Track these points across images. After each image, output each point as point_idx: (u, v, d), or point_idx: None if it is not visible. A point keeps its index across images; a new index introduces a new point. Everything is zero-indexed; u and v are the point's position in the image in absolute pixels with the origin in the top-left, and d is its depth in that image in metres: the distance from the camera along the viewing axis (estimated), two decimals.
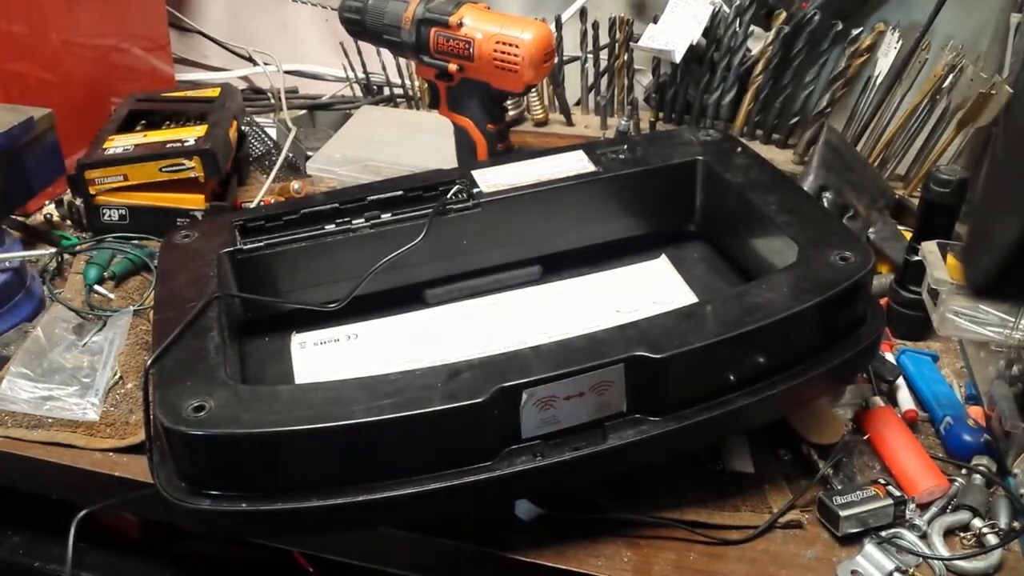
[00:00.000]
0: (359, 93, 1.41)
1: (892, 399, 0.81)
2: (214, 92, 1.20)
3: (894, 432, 0.76)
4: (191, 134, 1.05)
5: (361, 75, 1.38)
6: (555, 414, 0.63)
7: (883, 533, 0.68)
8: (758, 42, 1.16)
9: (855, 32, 1.11)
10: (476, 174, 0.85)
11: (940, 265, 0.78)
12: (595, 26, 1.24)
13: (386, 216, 0.81)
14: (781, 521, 0.70)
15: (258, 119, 1.24)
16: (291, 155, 1.18)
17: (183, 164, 1.01)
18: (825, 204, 0.97)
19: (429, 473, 0.61)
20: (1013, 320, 0.72)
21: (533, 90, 1.23)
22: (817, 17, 1.11)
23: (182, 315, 0.69)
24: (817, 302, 0.66)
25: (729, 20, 1.16)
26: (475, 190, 0.83)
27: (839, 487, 0.71)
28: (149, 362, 0.65)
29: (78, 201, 1.05)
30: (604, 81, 1.28)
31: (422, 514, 0.64)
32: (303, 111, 1.38)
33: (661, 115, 1.26)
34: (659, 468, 0.72)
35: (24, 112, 0.99)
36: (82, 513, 0.72)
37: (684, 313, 0.67)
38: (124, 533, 1.05)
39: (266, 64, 1.47)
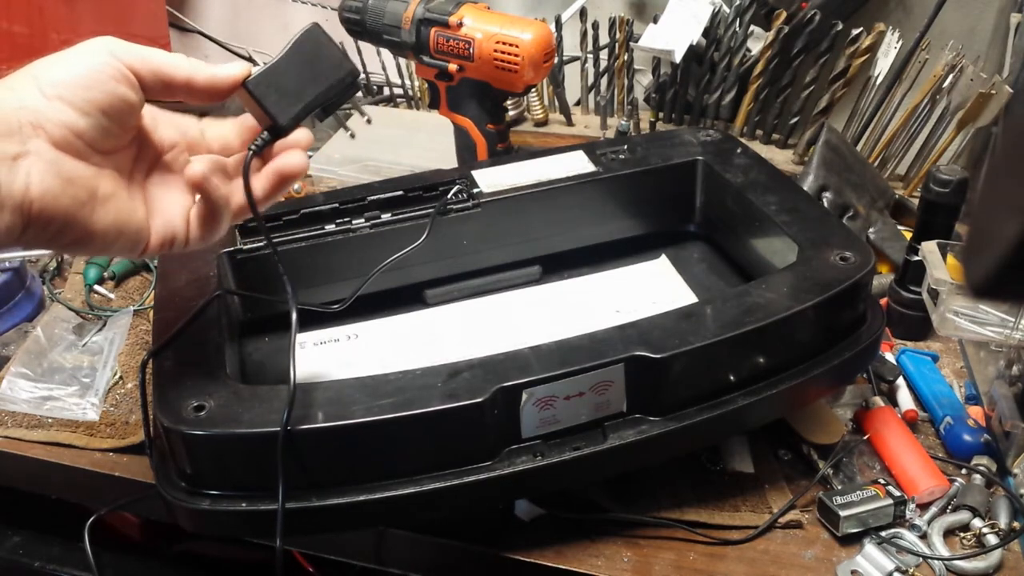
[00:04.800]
0: (359, 93, 1.41)
1: (892, 399, 0.81)
2: None
3: (894, 432, 0.76)
4: None
5: (361, 75, 1.38)
6: (555, 414, 0.63)
7: (883, 533, 0.68)
8: (758, 42, 1.16)
9: (855, 32, 1.11)
10: (476, 174, 0.85)
11: (940, 265, 0.78)
12: (595, 26, 1.24)
13: (386, 216, 0.81)
14: (781, 521, 0.70)
15: None
16: None
17: None
18: (825, 204, 0.97)
19: (429, 473, 0.61)
20: (1013, 320, 0.72)
21: (533, 90, 1.23)
22: (817, 17, 1.11)
23: (182, 315, 0.69)
24: (817, 302, 0.66)
25: (729, 20, 1.16)
26: (475, 190, 0.83)
27: (839, 487, 0.71)
28: (146, 356, 0.65)
29: None
30: (604, 81, 1.28)
31: (422, 514, 0.64)
32: None
33: (661, 115, 1.26)
34: (659, 468, 0.72)
35: None
36: (92, 518, 0.72)
37: (684, 313, 0.67)
38: (125, 533, 1.05)
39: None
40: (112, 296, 0.95)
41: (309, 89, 0.58)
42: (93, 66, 0.50)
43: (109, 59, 0.51)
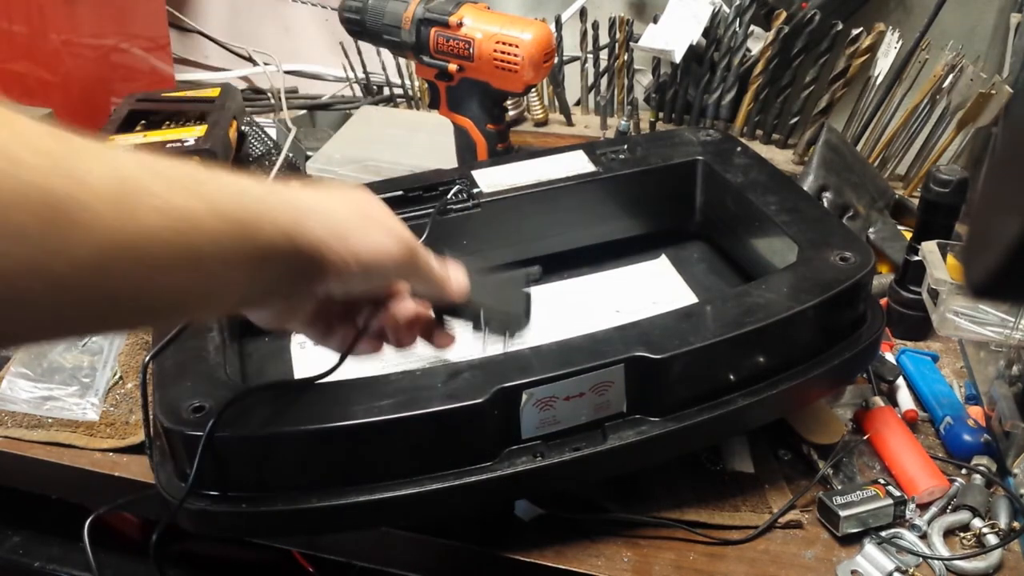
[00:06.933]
0: (359, 93, 1.41)
1: (892, 399, 0.81)
2: (214, 92, 1.20)
3: (894, 432, 0.76)
4: (191, 134, 1.05)
5: (361, 75, 1.38)
6: (555, 414, 0.63)
7: (883, 533, 0.68)
8: (758, 42, 1.16)
9: (855, 32, 1.11)
10: (476, 174, 0.85)
11: (940, 265, 0.78)
12: (595, 26, 1.24)
13: None
14: (781, 521, 0.70)
15: (258, 119, 1.24)
16: (291, 155, 1.18)
17: None
18: (825, 204, 0.97)
19: (429, 473, 0.61)
20: (1013, 320, 0.72)
21: (533, 90, 1.23)
22: (817, 17, 1.11)
23: None
24: (817, 302, 0.66)
25: (729, 20, 1.16)
26: (475, 190, 0.83)
27: (839, 487, 0.71)
28: (147, 358, 0.65)
29: None
30: (604, 81, 1.28)
31: (422, 514, 0.64)
32: (303, 111, 1.38)
33: (661, 115, 1.26)
34: (659, 468, 0.72)
35: (24, 112, 0.98)
36: (92, 517, 0.72)
37: (684, 313, 0.67)
38: (124, 533, 1.05)
39: (266, 64, 1.47)
40: None
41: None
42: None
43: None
